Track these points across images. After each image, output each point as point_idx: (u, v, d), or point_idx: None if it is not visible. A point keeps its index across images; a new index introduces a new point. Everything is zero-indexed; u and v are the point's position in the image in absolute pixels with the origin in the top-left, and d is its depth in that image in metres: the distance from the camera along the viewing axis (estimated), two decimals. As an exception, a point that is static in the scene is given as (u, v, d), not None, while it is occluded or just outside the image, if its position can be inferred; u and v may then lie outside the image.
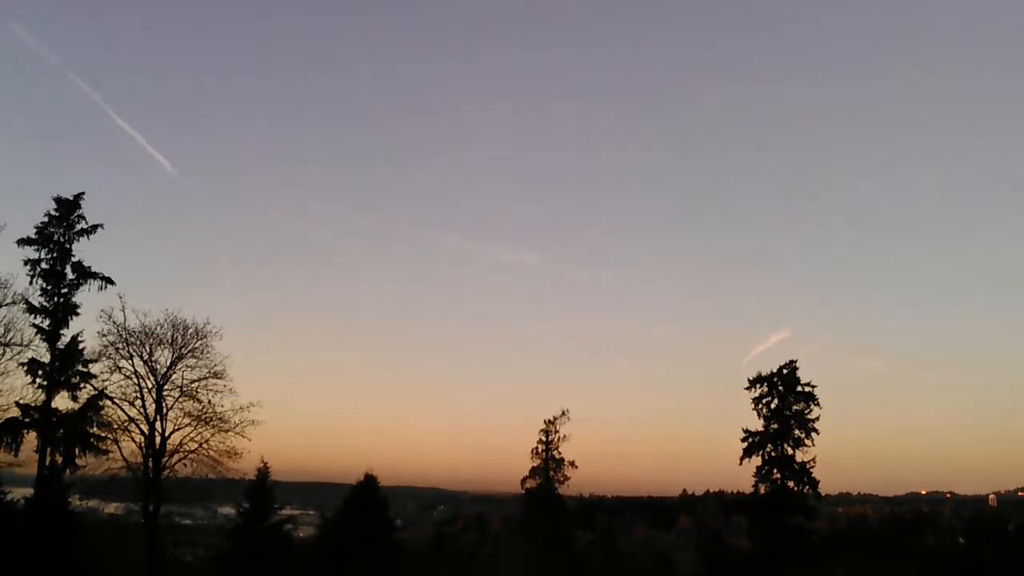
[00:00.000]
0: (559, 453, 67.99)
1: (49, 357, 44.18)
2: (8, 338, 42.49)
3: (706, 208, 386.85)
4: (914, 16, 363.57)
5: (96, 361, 44.95)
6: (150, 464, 44.98)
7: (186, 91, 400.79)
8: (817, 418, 55.29)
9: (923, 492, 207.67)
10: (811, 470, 54.87)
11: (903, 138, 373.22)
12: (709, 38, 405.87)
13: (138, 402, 45.10)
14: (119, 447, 45.08)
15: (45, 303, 44.63)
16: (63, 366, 44.35)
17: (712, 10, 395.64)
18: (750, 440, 55.81)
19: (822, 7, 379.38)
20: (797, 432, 55.17)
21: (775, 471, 55.25)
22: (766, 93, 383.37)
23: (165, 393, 45.57)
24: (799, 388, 55.61)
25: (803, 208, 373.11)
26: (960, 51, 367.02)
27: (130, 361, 45.17)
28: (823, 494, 58.58)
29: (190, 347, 46.09)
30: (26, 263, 44.96)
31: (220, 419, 45.62)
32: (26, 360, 43.33)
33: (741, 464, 56.22)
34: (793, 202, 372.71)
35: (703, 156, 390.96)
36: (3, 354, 42.31)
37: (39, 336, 44.07)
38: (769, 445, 55.47)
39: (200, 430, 45.76)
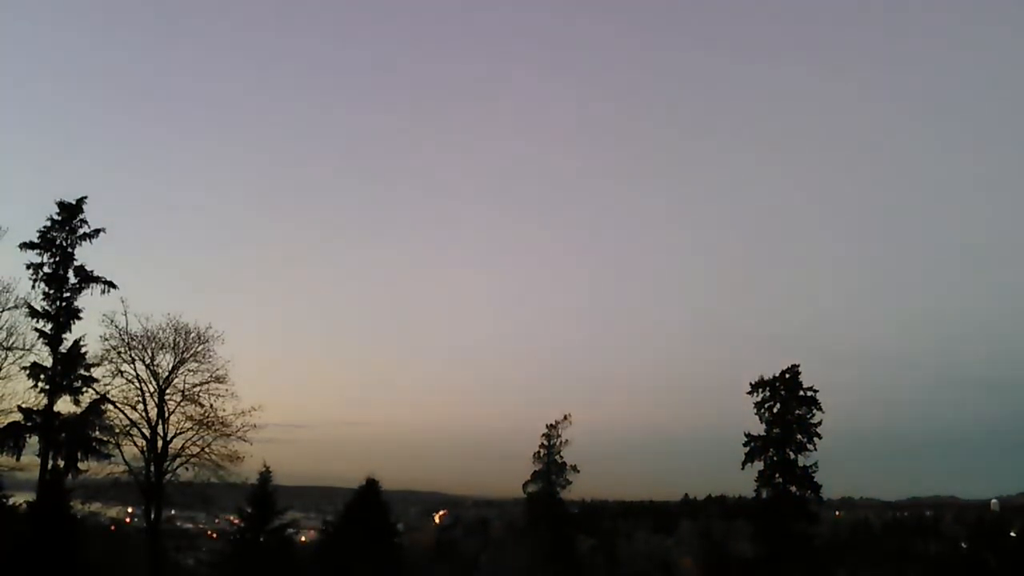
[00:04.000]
0: (561, 457, 67.95)
1: (51, 361, 44.04)
2: (10, 342, 42.48)
3: (712, 214, 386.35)
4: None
5: (98, 365, 44.96)
6: (152, 468, 44.98)
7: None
8: (819, 423, 55.15)
9: (925, 496, 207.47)
10: (813, 475, 54.74)
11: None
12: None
13: (140, 406, 45.20)
14: (121, 451, 45.12)
15: (47, 307, 44.53)
16: (65, 370, 44.24)
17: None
18: (752, 445, 55.66)
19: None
20: (799, 437, 55.02)
21: (777, 476, 55.10)
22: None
23: (167, 397, 45.64)
24: (801, 392, 55.48)
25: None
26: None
27: (132, 365, 45.31)
28: (825, 499, 58.43)
29: (192, 351, 46.20)
30: (28, 267, 44.80)
31: (222, 423, 45.69)
32: (28, 364, 43.16)
33: (743, 469, 56.08)
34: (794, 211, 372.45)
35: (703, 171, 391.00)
36: (5, 358, 42.29)
37: (41, 340, 43.94)
38: (771, 450, 55.31)
39: (202, 434, 45.83)
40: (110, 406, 44.90)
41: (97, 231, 46.47)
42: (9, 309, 42.66)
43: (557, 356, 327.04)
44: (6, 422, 42.99)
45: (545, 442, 68.32)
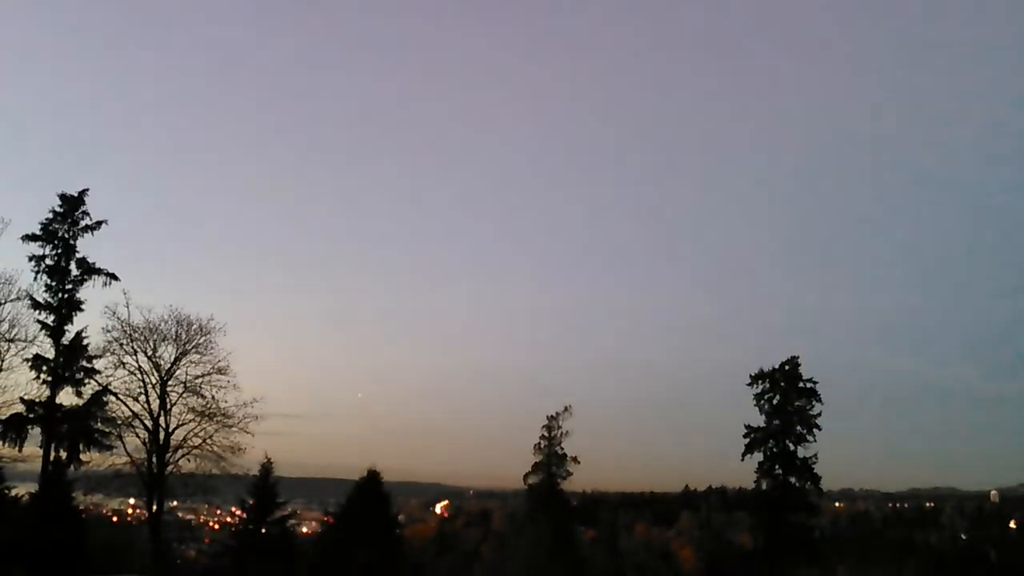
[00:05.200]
0: (561, 449, 68.08)
1: (53, 353, 43.99)
2: (13, 334, 42.46)
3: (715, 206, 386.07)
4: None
5: (100, 357, 44.87)
6: (154, 460, 45.00)
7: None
8: (819, 414, 55.21)
9: (925, 488, 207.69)
10: (813, 466, 54.83)
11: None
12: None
13: (142, 398, 45.17)
14: (123, 443, 45.05)
15: (50, 299, 44.47)
16: (67, 362, 44.21)
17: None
18: (752, 436, 55.71)
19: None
20: (799, 428, 55.08)
21: (777, 467, 55.18)
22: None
23: (169, 389, 45.62)
24: (801, 384, 55.52)
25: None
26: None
27: (134, 357, 45.24)
28: (825, 490, 58.47)
29: (194, 343, 46.13)
30: (31, 259, 44.67)
31: (224, 415, 45.69)
32: (31, 356, 43.13)
33: (743, 460, 56.15)
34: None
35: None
36: (8, 350, 42.28)
37: (44, 332, 43.87)
38: (771, 441, 55.39)
39: (204, 426, 45.82)
40: (112, 398, 44.88)
41: (99, 223, 46.38)
42: (12, 301, 42.72)
43: (557, 348, 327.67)
44: (8, 414, 42.99)
45: (546, 433, 68.46)
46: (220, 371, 46.10)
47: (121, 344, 45.07)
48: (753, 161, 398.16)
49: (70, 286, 45.15)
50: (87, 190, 46.59)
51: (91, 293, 45.69)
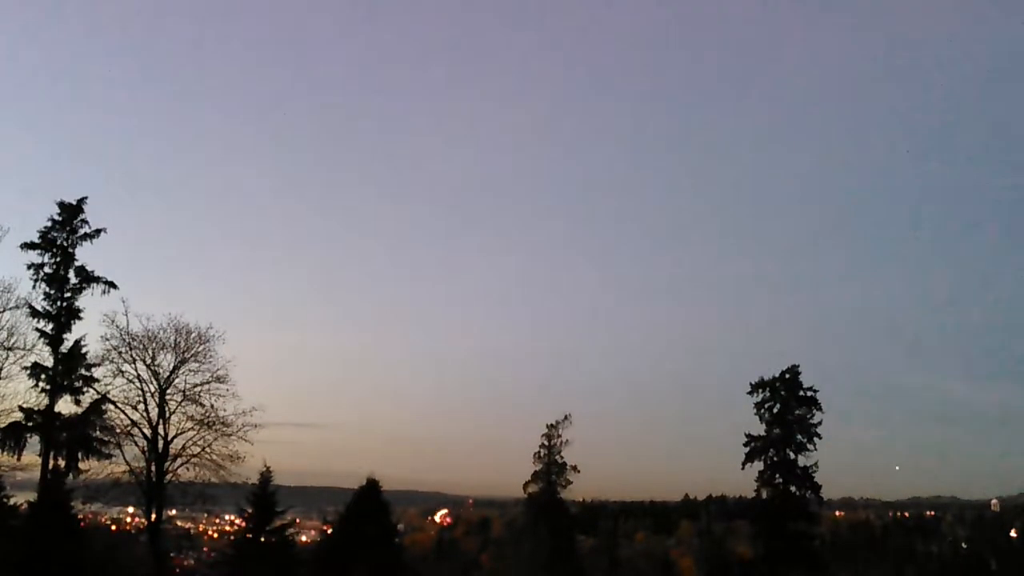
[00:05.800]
0: (561, 457, 67.88)
1: (52, 361, 44.04)
2: (11, 342, 42.57)
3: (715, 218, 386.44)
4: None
5: (99, 365, 45.02)
6: (153, 468, 45.01)
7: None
8: (819, 423, 55.18)
9: (926, 497, 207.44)
10: (813, 475, 54.74)
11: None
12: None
13: (141, 406, 45.24)
14: (122, 451, 45.16)
15: (48, 307, 44.51)
16: (66, 370, 44.24)
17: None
18: (752, 445, 55.66)
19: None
20: (799, 437, 55.02)
21: (777, 476, 55.11)
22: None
23: (168, 397, 45.67)
24: (801, 393, 55.45)
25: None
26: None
27: (133, 365, 45.33)
28: (825, 499, 58.36)
29: (193, 351, 46.23)
30: (29, 267, 44.77)
31: (223, 423, 45.77)
32: (29, 364, 43.22)
33: (743, 469, 56.11)
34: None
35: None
36: (6, 358, 42.38)
37: (42, 340, 43.94)
38: (771, 450, 55.31)
39: (203, 434, 45.89)
40: (111, 406, 44.97)
41: (98, 231, 46.47)
42: (10, 309, 42.79)
43: (558, 357, 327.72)
44: (7, 422, 43.05)
45: (545, 442, 68.26)
46: (219, 379, 46.27)
47: (120, 352, 45.21)
48: (752, 165, 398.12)
49: (69, 294, 45.19)
50: (85, 198, 46.75)
51: (90, 301, 45.90)
